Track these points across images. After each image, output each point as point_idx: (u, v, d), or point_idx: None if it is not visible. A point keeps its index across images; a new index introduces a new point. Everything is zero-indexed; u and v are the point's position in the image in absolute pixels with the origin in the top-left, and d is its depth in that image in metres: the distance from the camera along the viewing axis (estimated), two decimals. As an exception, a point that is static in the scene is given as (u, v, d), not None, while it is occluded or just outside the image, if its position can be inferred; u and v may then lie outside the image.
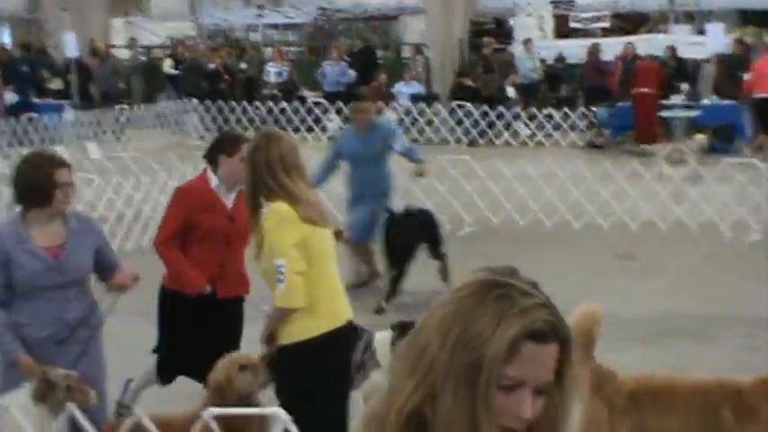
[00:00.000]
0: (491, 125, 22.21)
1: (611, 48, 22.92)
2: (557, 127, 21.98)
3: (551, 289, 2.03)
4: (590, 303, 5.20)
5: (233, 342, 6.14)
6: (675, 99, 21.00)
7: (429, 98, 23.54)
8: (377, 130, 10.20)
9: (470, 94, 22.77)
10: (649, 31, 25.91)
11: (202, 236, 6.21)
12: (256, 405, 5.42)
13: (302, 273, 5.00)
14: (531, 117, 22.15)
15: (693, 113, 20.30)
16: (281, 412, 4.99)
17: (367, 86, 21.79)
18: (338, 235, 6.68)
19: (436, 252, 10.07)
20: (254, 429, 5.31)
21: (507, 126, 22.21)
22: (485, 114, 22.12)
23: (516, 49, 24.50)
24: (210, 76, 24.49)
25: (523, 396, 1.92)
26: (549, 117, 22.00)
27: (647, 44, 23.20)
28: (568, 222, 13.20)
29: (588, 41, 24.06)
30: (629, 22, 27.35)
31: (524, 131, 22.23)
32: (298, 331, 5.08)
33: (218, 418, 5.06)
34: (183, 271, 6.22)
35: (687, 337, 8.76)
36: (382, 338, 6.37)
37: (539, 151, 20.31)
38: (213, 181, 6.26)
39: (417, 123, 22.74)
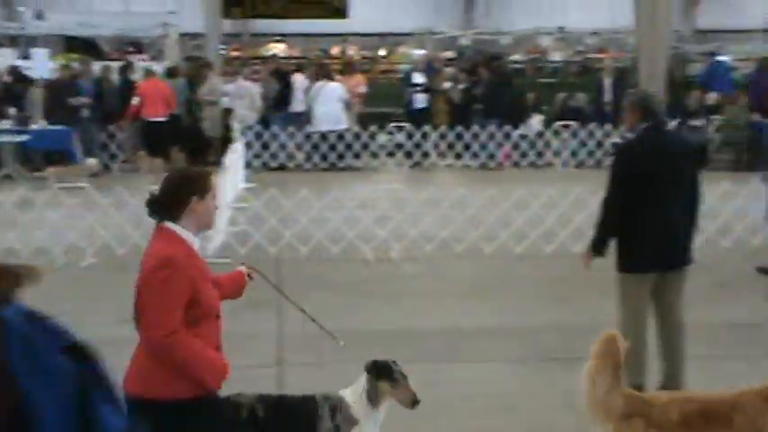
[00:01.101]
0: None
1: None
2: None
3: None
4: (610, 330, 5.36)
5: None
6: (4, 123, 20.46)
7: None
8: None
9: None
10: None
11: (200, 315, 4.61)
12: None
13: None
14: None
15: (22, 138, 19.94)
16: None
17: None
18: None
19: None
20: None
21: None
22: None
23: None
24: None
25: None
26: None
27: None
28: None
29: None
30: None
31: None
32: None
33: None
34: (207, 359, 4.58)
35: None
36: (354, 392, 5.36)
37: None
38: (194, 240, 4.72)
39: None
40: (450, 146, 21.56)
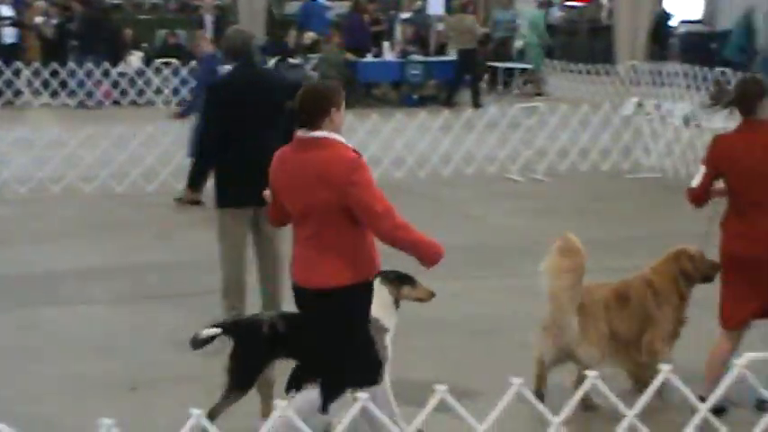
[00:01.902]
0: None
1: None
2: None
3: None
4: (568, 235, 6.10)
5: None
6: None
7: None
8: None
9: None
10: None
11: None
12: None
13: None
14: None
15: None
16: None
17: None
18: None
19: None
20: None
21: None
22: None
23: None
24: None
25: None
26: None
27: None
28: None
29: None
30: None
31: None
32: None
33: None
34: (429, 240, 5.22)
35: None
36: (376, 297, 5.50)
37: None
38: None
39: None
40: (45, 84, 20.64)
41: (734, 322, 6.03)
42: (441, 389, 4.24)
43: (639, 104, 17.46)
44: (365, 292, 5.29)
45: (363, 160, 5.14)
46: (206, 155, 7.25)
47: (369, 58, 21.08)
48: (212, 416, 5.28)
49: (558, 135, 14.34)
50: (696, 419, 4.64)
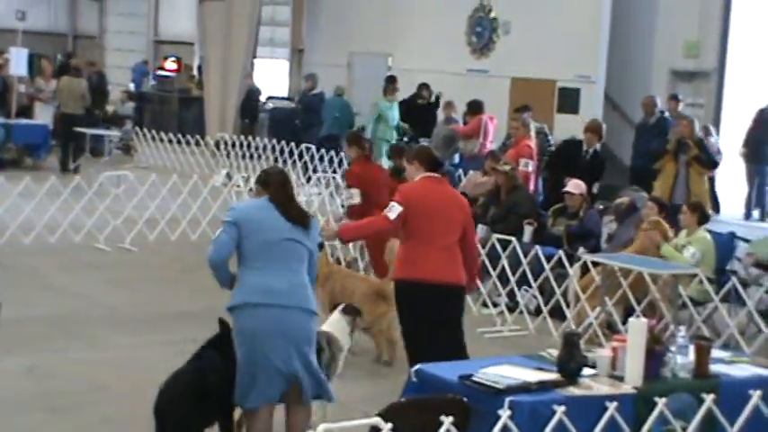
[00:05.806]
0: None
1: None
2: None
3: None
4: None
5: None
6: None
7: None
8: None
9: None
10: None
11: None
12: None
13: None
14: None
15: None
16: None
17: None
18: None
19: None
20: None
21: None
22: None
23: None
24: None
25: None
26: None
27: None
28: None
29: None
30: None
31: None
32: None
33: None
34: None
35: None
36: (335, 328, 6.96)
37: None
38: None
39: None
40: None
41: None
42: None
43: (229, 176, 17.80)
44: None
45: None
46: None
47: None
48: None
49: (147, 204, 14.16)
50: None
